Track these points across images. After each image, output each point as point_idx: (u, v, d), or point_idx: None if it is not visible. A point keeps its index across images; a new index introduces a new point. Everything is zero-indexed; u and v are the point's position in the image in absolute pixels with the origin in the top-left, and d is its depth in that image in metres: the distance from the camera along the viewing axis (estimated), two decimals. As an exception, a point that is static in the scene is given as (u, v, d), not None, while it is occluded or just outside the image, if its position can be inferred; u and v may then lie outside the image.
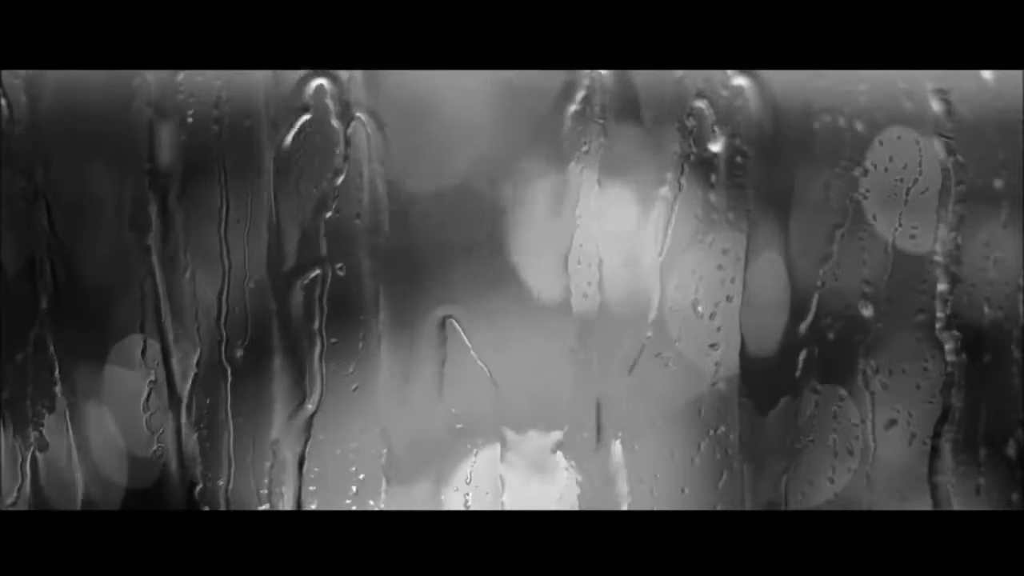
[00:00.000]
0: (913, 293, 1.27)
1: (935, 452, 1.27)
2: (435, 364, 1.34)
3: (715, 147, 1.28)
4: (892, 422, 1.28)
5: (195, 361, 1.38)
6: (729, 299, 1.30)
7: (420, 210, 1.33)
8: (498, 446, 1.34)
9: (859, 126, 1.26)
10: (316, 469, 1.37)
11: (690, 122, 1.29)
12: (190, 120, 1.36)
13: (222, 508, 1.38)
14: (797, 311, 1.29)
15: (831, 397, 1.30)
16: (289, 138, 1.34)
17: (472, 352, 1.33)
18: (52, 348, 1.43)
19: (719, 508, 1.31)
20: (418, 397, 1.34)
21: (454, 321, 1.33)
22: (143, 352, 1.40)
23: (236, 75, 1.34)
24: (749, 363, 1.30)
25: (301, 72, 1.33)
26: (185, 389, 1.39)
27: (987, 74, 1.22)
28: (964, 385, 1.26)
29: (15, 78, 1.40)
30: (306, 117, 1.34)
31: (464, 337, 1.33)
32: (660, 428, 1.32)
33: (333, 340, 1.36)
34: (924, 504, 1.28)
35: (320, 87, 1.33)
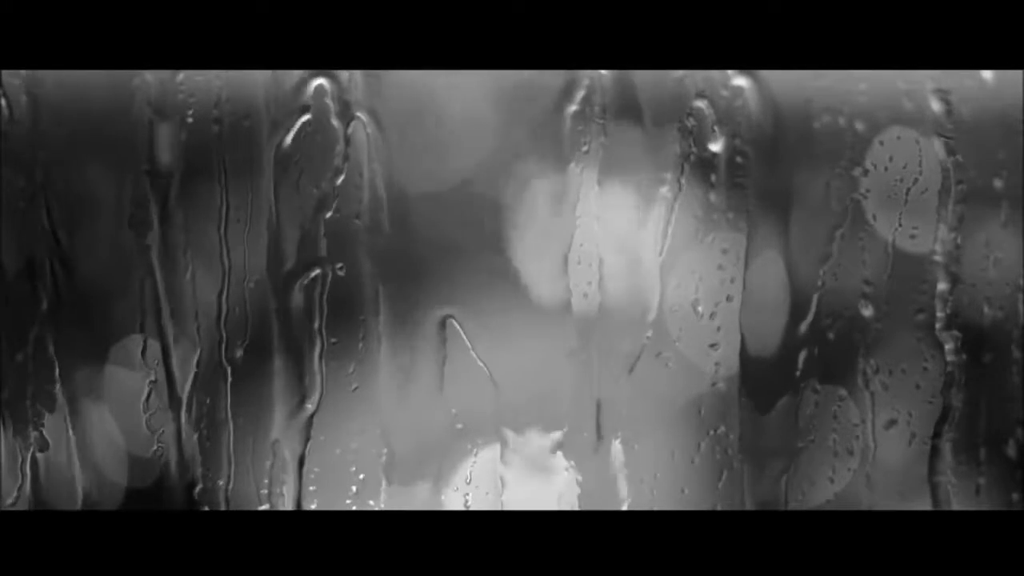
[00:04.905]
0: (913, 293, 1.27)
1: (935, 452, 1.27)
2: (435, 364, 1.34)
3: (715, 147, 1.28)
4: (892, 422, 1.28)
5: (195, 361, 1.38)
6: (729, 299, 1.30)
7: (420, 210, 1.33)
8: (498, 446, 1.34)
9: (859, 126, 1.26)
10: (316, 469, 1.37)
11: (690, 122, 1.29)
12: (190, 120, 1.36)
13: (222, 508, 1.38)
14: (797, 311, 1.29)
15: (831, 397, 1.30)
16: (289, 138, 1.34)
17: (472, 352, 1.33)
18: (52, 348, 1.43)
19: (719, 508, 1.31)
20: (418, 397, 1.34)
21: (454, 321, 1.33)
22: (143, 352, 1.40)
23: (236, 75, 1.34)
24: (749, 363, 1.30)
25: (301, 72, 1.33)
26: (185, 389, 1.39)
27: (987, 74, 1.22)
28: (964, 385, 1.26)
29: (15, 78, 1.40)
30: (306, 117, 1.34)
31: (464, 337, 1.33)
32: (660, 428, 1.32)
33: (333, 340, 1.36)
34: (924, 504, 1.28)
35: (320, 87, 1.33)
